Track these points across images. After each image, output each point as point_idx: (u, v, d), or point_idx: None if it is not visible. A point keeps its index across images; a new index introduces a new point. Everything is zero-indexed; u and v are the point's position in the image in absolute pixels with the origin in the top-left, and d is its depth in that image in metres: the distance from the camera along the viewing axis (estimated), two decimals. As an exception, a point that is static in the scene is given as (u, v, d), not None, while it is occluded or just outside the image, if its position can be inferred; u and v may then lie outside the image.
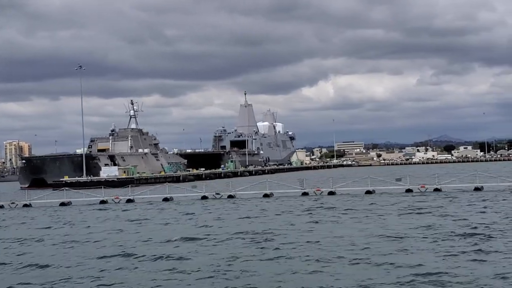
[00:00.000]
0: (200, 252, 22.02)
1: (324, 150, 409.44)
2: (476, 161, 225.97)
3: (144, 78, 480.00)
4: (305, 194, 52.06)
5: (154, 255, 21.26)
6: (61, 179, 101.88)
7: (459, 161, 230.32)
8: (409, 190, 49.92)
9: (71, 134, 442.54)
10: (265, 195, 52.40)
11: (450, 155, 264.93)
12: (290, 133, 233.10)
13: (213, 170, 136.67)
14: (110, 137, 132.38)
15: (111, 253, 22.61)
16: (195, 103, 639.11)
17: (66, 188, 65.96)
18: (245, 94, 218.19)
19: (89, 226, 34.07)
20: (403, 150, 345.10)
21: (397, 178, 54.71)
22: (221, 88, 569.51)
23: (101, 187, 58.71)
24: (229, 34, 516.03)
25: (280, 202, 45.84)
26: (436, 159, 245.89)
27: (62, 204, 53.79)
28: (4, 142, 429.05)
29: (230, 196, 53.00)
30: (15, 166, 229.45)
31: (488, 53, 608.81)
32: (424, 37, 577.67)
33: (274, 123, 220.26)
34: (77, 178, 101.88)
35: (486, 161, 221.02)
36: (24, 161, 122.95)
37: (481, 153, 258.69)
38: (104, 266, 19.92)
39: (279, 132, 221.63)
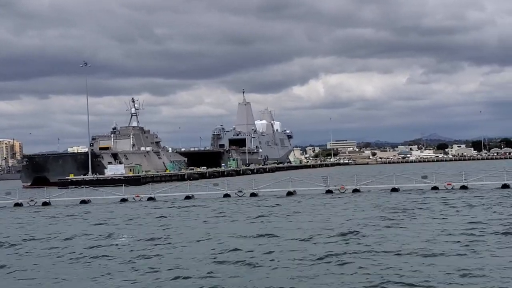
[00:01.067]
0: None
1: (316, 149, 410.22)
2: (473, 159, 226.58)
3: (134, 77, 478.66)
4: (329, 191, 51.52)
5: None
6: (66, 177, 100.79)
7: (455, 160, 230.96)
8: (435, 188, 49.59)
9: (61, 132, 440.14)
10: (289, 193, 51.79)
11: (445, 154, 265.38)
12: (287, 131, 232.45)
13: (216, 169, 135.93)
14: (112, 135, 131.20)
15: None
16: (185, 102, 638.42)
17: (86, 186, 65.15)
18: (243, 92, 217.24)
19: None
20: (396, 148, 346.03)
21: (423, 175, 54.28)
22: (211, 86, 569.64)
23: (122, 185, 57.75)
24: (219, 33, 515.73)
25: (319, 200, 45.20)
26: (432, 157, 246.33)
27: (83, 202, 53.03)
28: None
29: (253, 194, 52.34)
30: (10, 165, 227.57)
31: (477, 52, 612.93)
32: (414, 36, 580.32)
33: (272, 122, 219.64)
34: (83, 177, 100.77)
35: (482, 159, 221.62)
36: (26, 159, 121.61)
37: (475, 151, 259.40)
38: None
39: (277, 130, 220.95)
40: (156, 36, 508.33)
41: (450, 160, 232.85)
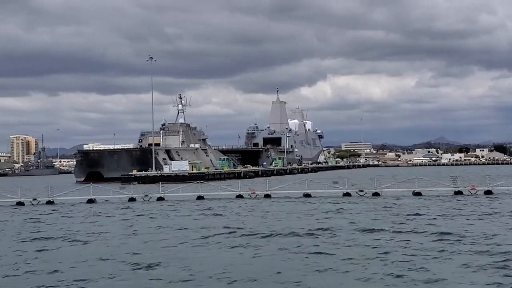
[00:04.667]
0: None
1: (331, 150, 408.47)
2: (506, 163, 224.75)
3: (142, 75, 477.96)
4: (459, 193, 49.78)
5: None
6: (129, 173, 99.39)
7: (488, 163, 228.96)
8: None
9: (70, 129, 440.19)
10: (416, 193, 50.04)
11: (476, 157, 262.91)
12: (318, 131, 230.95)
13: (267, 167, 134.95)
14: (161, 131, 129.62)
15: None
16: (193, 101, 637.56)
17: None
18: (277, 91, 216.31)
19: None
20: (412, 151, 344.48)
21: None
22: (219, 86, 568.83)
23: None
24: (229, 33, 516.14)
25: (453, 203, 43.56)
26: (465, 160, 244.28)
27: (200, 197, 51.57)
28: (11, 137, 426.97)
29: (375, 194, 50.68)
30: (38, 160, 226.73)
31: (487, 56, 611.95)
32: (424, 39, 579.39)
33: (304, 121, 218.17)
34: (146, 173, 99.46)
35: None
36: (81, 154, 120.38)
37: (507, 156, 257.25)
38: None
39: (308, 130, 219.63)
40: (166, 35, 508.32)
41: (483, 164, 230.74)
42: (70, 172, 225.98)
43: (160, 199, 51.89)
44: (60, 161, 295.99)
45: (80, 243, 25.51)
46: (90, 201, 51.07)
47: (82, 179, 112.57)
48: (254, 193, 52.93)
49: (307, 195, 51.13)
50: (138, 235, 27.95)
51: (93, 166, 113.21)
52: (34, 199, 51.19)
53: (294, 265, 18.63)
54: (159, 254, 21.26)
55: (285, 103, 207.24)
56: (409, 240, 23.23)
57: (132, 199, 51.73)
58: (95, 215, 39.79)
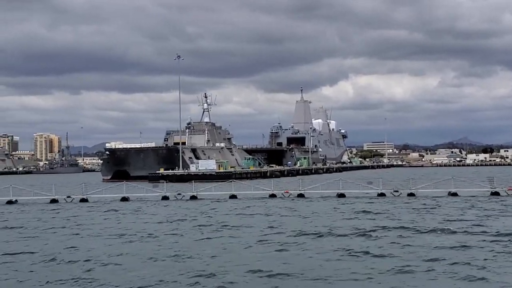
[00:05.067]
0: None
1: (353, 150, 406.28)
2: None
3: (163, 74, 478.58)
4: (496, 193, 49.00)
5: None
6: (156, 172, 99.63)
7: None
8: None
9: (92, 128, 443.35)
10: (452, 194, 49.37)
11: (501, 158, 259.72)
12: (342, 131, 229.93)
13: (293, 167, 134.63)
14: (187, 130, 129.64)
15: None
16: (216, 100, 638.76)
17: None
18: (301, 90, 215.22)
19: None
20: (435, 152, 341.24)
21: None
22: (240, 85, 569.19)
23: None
24: (249, 32, 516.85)
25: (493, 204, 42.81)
26: (490, 161, 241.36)
27: (233, 196, 51.40)
28: (34, 135, 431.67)
29: (411, 194, 50.08)
30: (63, 158, 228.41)
31: (510, 57, 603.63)
32: (447, 38, 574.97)
33: (328, 121, 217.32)
34: (173, 171, 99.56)
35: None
36: (107, 152, 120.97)
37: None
38: None
39: (332, 129, 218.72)
40: (187, 35, 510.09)
41: (508, 164, 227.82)
42: (93, 170, 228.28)
43: (193, 197, 51.73)
44: (83, 159, 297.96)
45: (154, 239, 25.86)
46: (124, 199, 51.10)
47: (109, 177, 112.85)
48: (287, 192, 52.66)
49: (341, 195, 50.68)
50: (204, 233, 27.71)
51: (119, 165, 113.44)
52: (68, 197, 51.22)
53: (363, 266, 18.28)
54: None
55: (309, 102, 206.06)
56: (466, 242, 22.72)
57: (165, 198, 51.68)
58: (142, 213, 39.95)
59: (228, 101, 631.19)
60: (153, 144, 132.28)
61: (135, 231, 28.63)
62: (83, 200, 50.78)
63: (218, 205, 44.73)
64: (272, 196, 51.90)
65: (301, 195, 51.55)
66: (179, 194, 52.30)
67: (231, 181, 55.42)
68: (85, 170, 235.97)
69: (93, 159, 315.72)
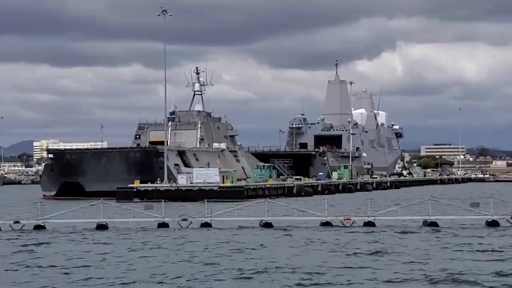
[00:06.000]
0: None
1: (406, 156, 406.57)
2: None
3: (120, 40, 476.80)
4: None
5: None
6: (127, 186, 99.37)
7: None
8: None
9: (10, 119, 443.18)
10: None
11: None
12: (396, 126, 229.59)
13: (329, 180, 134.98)
14: (170, 123, 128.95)
15: None
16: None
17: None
18: (336, 64, 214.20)
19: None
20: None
21: None
22: (232, 57, 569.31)
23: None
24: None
25: None
26: None
27: (267, 224, 51.15)
28: None
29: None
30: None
31: None
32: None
33: (375, 111, 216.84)
34: (154, 185, 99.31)
35: None
36: (51, 156, 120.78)
37: None
38: None
39: (381, 125, 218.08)
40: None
41: None
42: (19, 182, 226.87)
43: (206, 225, 51.36)
44: (0, 166, 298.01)
45: None
46: (101, 226, 50.79)
47: (53, 193, 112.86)
48: (348, 219, 52.16)
49: (433, 224, 50.59)
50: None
51: (69, 175, 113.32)
52: (16, 222, 51.11)
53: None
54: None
55: (351, 83, 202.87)
56: None
57: (163, 225, 51.37)
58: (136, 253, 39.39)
59: (215, 80, 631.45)
60: (104, 144, 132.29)
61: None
62: (39, 227, 50.58)
63: (254, 238, 44.51)
64: (326, 224, 51.54)
65: (370, 224, 51.36)
66: (184, 219, 51.91)
67: (264, 201, 54.86)
68: (7, 182, 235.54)
69: (15, 166, 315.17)
